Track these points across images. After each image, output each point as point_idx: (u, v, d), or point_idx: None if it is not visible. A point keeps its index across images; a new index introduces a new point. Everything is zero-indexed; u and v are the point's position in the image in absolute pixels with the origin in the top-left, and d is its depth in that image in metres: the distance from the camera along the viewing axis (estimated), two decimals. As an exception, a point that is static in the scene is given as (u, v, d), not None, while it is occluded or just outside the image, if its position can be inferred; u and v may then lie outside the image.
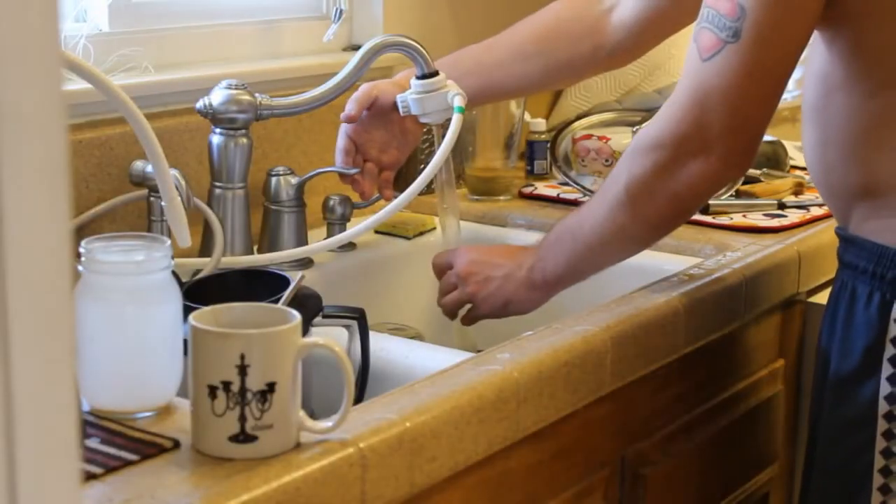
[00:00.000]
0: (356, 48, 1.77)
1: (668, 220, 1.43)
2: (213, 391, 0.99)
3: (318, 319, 1.31)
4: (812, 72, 1.41)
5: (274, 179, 1.62)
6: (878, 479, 1.37)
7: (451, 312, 1.58)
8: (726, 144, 1.34)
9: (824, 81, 1.38)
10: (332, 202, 1.69)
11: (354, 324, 1.35)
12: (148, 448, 1.01)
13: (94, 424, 1.06)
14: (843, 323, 1.40)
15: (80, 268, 1.06)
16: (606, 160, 1.98)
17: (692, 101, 1.34)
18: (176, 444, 1.02)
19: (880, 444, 1.36)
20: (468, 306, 1.55)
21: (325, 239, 1.65)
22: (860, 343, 1.38)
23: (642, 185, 1.38)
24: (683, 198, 1.38)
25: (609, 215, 1.41)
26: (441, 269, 1.58)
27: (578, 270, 1.48)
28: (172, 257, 1.10)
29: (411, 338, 1.62)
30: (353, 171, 1.63)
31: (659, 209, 1.39)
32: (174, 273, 1.11)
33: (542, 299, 1.51)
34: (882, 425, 1.36)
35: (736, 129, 1.34)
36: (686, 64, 1.37)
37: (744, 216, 1.81)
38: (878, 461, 1.37)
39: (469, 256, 1.55)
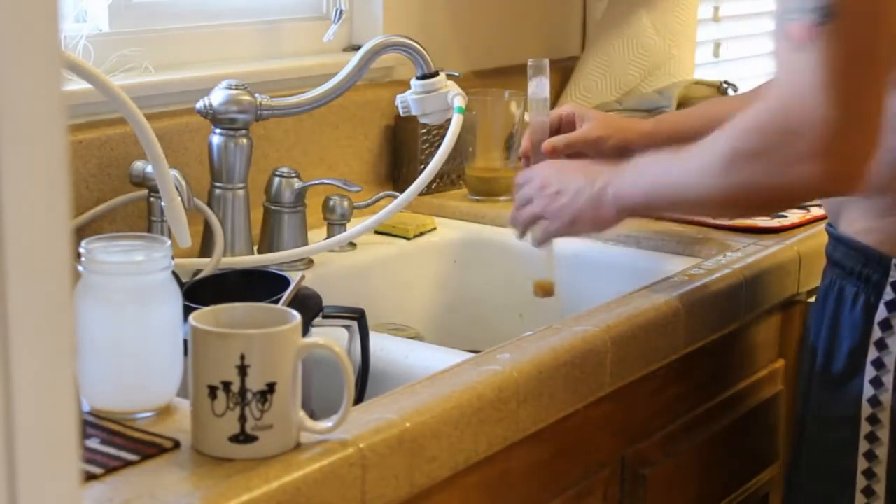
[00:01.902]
0: (356, 48, 1.77)
1: (752, 209, 1.39)
2: (213, 391, 0.99)
3: (318, 319, 1.31)
4: None
5: (277, 180, 1.62)
6: (861, 482, 1.37)
7: (522, 227, 1.54)
8: (838, 149, 1.20)
9: None
10: (332, 202, 1.69)
11: (354, 324, 1.35)
12: (148, 448, 1.01)
13: (94, 424, 1.06)
14: (830, 323, 1.41)
15: (80, 268, 1.06)
16: (606, 160, 1.98)
17: (790, 97, 1.21)
18: (176, 444, 1.02)
19: (863, 446, 1.37)
20: (541, 225, 1.51)
21: (325, 239, 1.65)
22: (845, 344, 1.38)
23: (740, 166, 1.27)
24: (779, 196, 1.29)
25: (698, 175, 1.32)
26: (520, 186, 1.55)
27: (652, 207, 1.44)
28: (172, 257, 1.10)
29: (411, 338, 1.62)
30: (356, 189, 1.64)
31: (749, 194, 1.30)
32: (174, 273, 1.11)
33: (609, 221, 1.45)
34: (865, 427, 1.36)
35: (846, 127, 1.20)
36: (778, 60, 1.25)
37: (744, 216, 1.81)
38: (862, 463, 1.37)
39: (547, 170, 1.51)
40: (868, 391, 1.36)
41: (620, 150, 1.62)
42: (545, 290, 1.59)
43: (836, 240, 1.42)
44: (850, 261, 1.38)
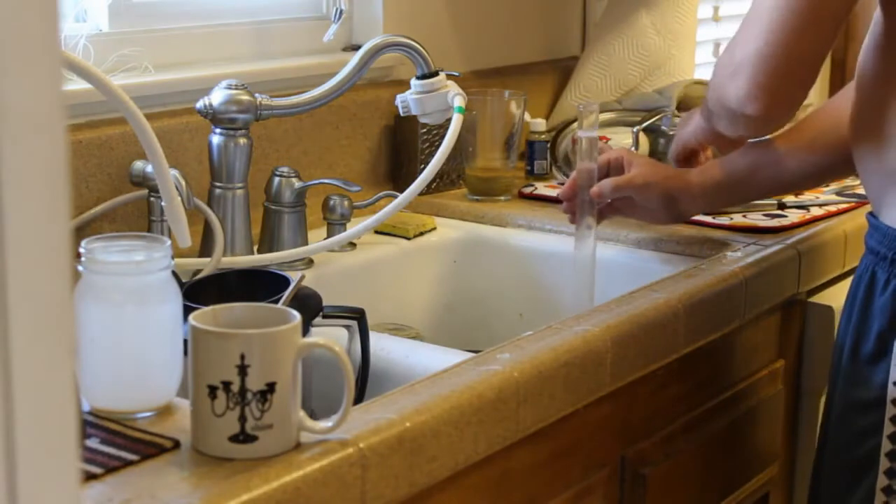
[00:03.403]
0: (356, 48, 1.77)
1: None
2: (213, 391, 0.99)
3: (318, 319, 1.31)
4: (870, 45, 1.41)
5: (277, 180, 1.62)
6: (884, 463, 1.39)
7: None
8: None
9: (881, 53, 1.38)
10: (332, 202, 1.69)
11: (354, 324, 1.35)
12: (148, 448, 1.01)
13: (94, 424, 1.06)
14: (861, 307, 1.43)
15: (80, 268, 1.06)
16: (606, 160, 1.97)
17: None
18: (176, 444, 1.02)
19: (888, 428, 1.38)
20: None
21: (325, 239, 1.65)
22: (875, 327, 1.40)
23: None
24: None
25: None
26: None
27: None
28: (172, 257, 1.10)
29: (411, 338, 1.62)
30: (356, 188, 1.64)
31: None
32: (174, 273, 1.11)
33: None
34: (891, 410, 1.38)
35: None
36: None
37: (744, 216, 1.81)
38: (886, 445, 1.38)
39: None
40: (895, 373, 1.37)
41: (665, 199, 1.63)
42: None
43: (874, 227, 1.44)
44: (883, 246, 1.41)
